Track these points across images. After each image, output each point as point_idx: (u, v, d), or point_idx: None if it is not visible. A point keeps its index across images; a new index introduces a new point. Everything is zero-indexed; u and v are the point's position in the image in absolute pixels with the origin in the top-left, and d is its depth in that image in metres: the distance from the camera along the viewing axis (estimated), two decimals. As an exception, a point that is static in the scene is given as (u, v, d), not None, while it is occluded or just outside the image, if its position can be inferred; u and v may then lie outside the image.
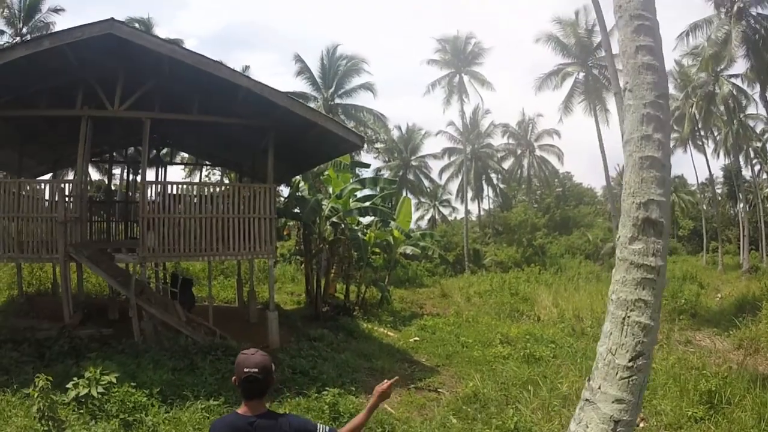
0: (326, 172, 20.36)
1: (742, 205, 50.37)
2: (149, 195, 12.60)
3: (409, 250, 21.40)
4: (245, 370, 2.90)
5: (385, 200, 21.65)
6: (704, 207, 57.37)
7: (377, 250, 21.48)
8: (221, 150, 19.31)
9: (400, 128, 53.19)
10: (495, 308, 21.83)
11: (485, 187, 55.79)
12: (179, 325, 11.39)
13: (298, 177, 19.70)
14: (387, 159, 51.53)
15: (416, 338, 16.01)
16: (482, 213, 60.04)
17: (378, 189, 20.29)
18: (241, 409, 2.96)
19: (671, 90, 47.29)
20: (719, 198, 57.67)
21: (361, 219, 21.04)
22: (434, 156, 54.05)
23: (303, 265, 28.80)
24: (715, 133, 49.47)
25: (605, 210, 61.41)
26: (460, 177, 52.49)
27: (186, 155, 25.94)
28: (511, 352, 13.28)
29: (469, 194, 53.40)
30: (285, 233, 25.10)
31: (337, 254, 20.36)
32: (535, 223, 45.88)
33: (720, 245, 43.80)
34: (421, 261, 29.89)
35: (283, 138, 13.56)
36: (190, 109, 12.97)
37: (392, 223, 20.18)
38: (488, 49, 46.74)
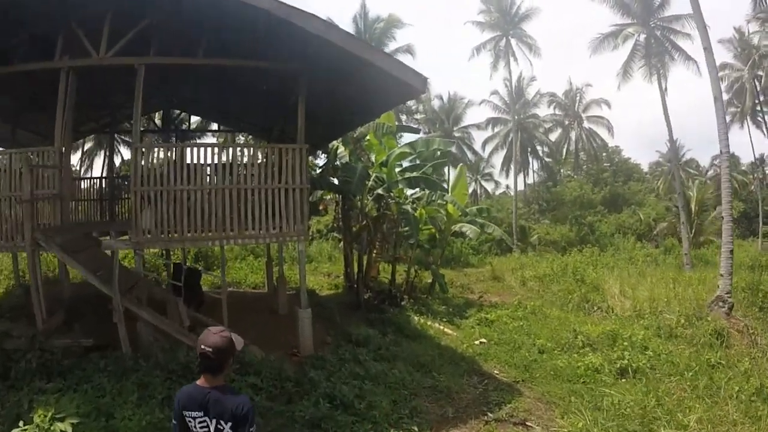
0: (368, 137, 17.01)
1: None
2: (145, 162, 9.38)
3: (466, 228, 17.90)
4: (201, 347, 3.23)
5: (436, 170, 18.17)
6: (753, 188, 51.92)
7: (430, 227, 18.03)
8: (244, 111, 16.00)
9: (441, 98, 49.61)
10: (560, 297, 18.69)
11: (530, 160, 51.53)
12: (178, 332, 8.32)
13: (335, 142, 16.39)
14: (428, 130, 47.73)
15: (482, 340, 12.80)
16: (526, 187, 55.60)
17: (433, 154, 16.65)
18: (200, 381, 3.30)
19: (729, 59, 43.37)
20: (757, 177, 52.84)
21: (408, 191, 17.69)
22: (477, 126, 50.11)
23: (341, 243, 25.94)
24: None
25: (652, 187, 57.02)
26: (505, 149, 48.60)
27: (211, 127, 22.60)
28: (602, 363, 10.49)
29: (513, 168, 49.61)
30: (321, 208, 21.82)
31: (380, 232, 17.00)
32: (592, 199, 41.81)
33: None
34: (475, 239, 26.30)
35: (318, 87, 10.26)
36: (196, 52, 9.68)
37: (447, 196, 16.67)
38: (536, 9, 42.21)
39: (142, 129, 17.16)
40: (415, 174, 15.86)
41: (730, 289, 15.04)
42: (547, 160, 52.83)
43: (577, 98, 53.87)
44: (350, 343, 10.89)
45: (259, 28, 9.16)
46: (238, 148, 10.17)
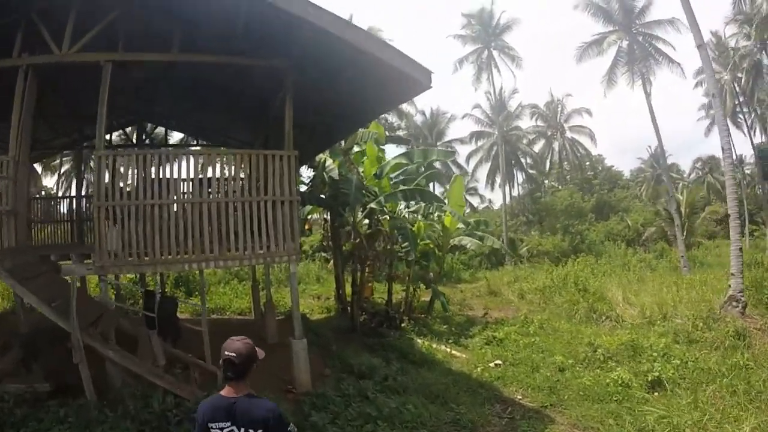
0: (354, 149, 15.78)
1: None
2: (109, 173, 8.00)
3: (466, 241, 16.63)
4: (225, 353, 3.20)
5: (429, 181, 16.96)
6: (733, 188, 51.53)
7: (428, 242, 16.68)
8: (224, 123, 14.63)
9: (423, 113, 48.66)
10: (566, 309, 17.59)
11: (515, 172, 50.66)
12: (152, 374, 6.91)
13: (323, 155, 15.12)
14: (410, 145, 46.67)
15: (497, 362, 11.51)
16: (511, 200, 54.56)
17: (427, 166, 15.46)
18: (224, 391, 3.25)
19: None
20: (748, 179, 52.66)
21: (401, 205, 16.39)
22: (461, 141, 49.23)
23: (330, 263, 24.53)
24: (758, 110, 44.13)
25: (635, 194, 56.67)
26: (489, 162, 47.75)
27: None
28: (630, 377, 9.71)
29: (498, 180, 48.76)
30: (306, 228, 20.50)
31: (372, 249, 15.65)
32: (582, 207, 40.87)
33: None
34: (477, 252, 25.11)
35: (306, 86, 9.02)
36: (169, 48, 8.40)
37: (446, 207, 15.38)
38: (517, 20, 41.68)
39: (117, 144, 15.78)
40: (410, 186, 14.61)
41: (742, 288, 14.58)
42: (531, 171, 52.00)
43: (559, 109, 53.41)
44: (352, 375, 9.55)
45: (239, 20, 7.95)
46: (218, 157, 8.70)
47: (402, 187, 14.38)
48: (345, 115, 10.76)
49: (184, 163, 8.59)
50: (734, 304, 14.21)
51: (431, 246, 16.23)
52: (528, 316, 15.98)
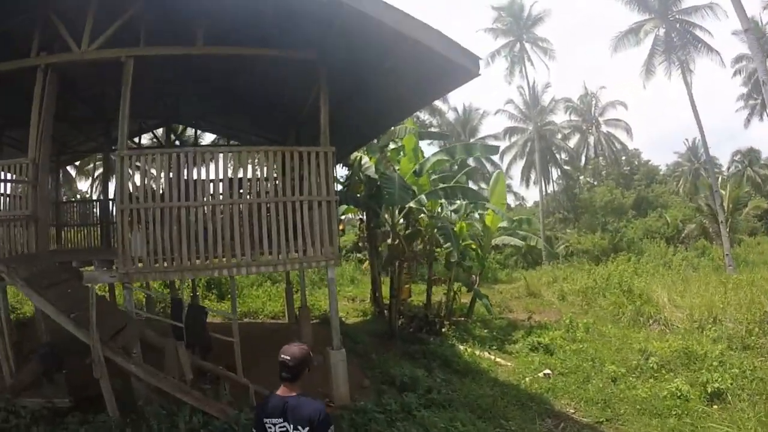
0: (390, 145, 15.03)
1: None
2: (132, 175, 7.43)
3: (509, 240, 15.71)
4: (281, 356, 3.47)
5: (470, 178, 16.13)
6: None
7: (471, 242, 15.84)
8: (254, 122, 14.02)
9: (456, 110, 47.54)
10: (611, 312, 16.87)
11: (550, 168, 49.17)
12: (178, 389, 6.28)
13: (358, 153, 14.44)
14: (443, 143, 45.75)
15: (547, 371, 10.65)
16: (546, 197, 53.01)
17: (464, 162, 14.63)
18: (280, 390, 3.51)
19: (745, 50, 41.47)
20: None
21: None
22: (495, 137, 47.91)
23: (365, 264, 23.87)
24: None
25: (672, 190, 54.50)
26: (524, 159, 46.48)
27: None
28: (688, 389, 9.09)
29: (533, 177, 47.46)
30: (340, 228, 19.81)
31: (410, 250, 14.89)
32: (623, 203, 39.28)
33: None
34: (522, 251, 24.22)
35: (341, 81, 8.33)
36: (193, 41, 7.79)
37: (489, 205, 14.50)
38: (549, 11, 40.51)
39: (146, 147, 15.35)
40: (450, 184, 13.81)
41: None
42: (566, 168, 50.42)
43: (593, 102, 51.65)
44: (393, 387, 8.84)
45: (266, 4, 7.29)
46: (249, 155, 8.03)
47: (441, 185, 13.59)
48: (383, 109, 10.03)
49: (213, 164, 8.04)
50: None
51: (473, 246, 15.37)
52: (573, 320, 15.07)
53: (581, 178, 51.93)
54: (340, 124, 10.12)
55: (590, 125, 51.98)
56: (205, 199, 7.17)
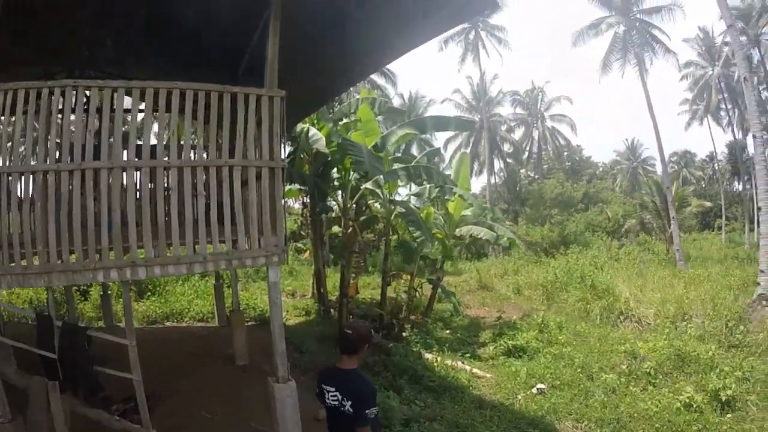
0: (345, 117, 12.65)
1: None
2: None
3: (476, 231, 13.55)
4: (345, 330, 3.67)
5: (430, 160, 13.93)
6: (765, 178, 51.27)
7: (438, 232, 13.48)
8: (188, 68, 10.98)
9: (402, 96, 45.35)
10: (578, 309, 15.44)
11: (493, 160, 47.87)
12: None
13: (302, 124, 11.94)
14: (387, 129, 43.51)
15: (540, 386, 8.96)
16: (489, 189, 51.96)
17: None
18: (339, 362, 3.66)
19: (694, 57, 44.22)
20: (719, 174, 53.72)
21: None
22: (426, 134, 46.01)
23: (305, 254, 21.38)
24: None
25: (608, 186, 55.02)
26: (468, 149, 44.81)
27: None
28: (701, 401, 8.10)
29: (475, 167, 46.00)
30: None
31: (358, 240, 12.53)
32: (573, 196, 38.23)
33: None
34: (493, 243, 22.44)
35: (297, 20, 5.82)
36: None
37: (457, 189, 12.19)
38: (506, 1, 39.03)
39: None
40: (414, 164, 11.55)
41: None
42: (508, 160, 49.33)
43: (539, 97, 50.81)
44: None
45: None
46: (154, 93, 5.14)
47: (405, 165, 11.28)
48: (356, 51, 7.36)
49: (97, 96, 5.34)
50: (764, 303, 13.28)
51: (440, 236, 13.10)
52: (544, 319, 13.38)
53: (522, 171, 51.16)
54: (290, 79, 7.61)
55: (535, 119, 51.07)
56: (83, 160, 4.55)
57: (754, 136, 15.43)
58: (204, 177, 4.79)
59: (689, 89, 45.37)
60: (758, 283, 14.23)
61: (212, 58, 7.94)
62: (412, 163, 12.06)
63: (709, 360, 9.66)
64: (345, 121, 12.58)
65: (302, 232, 17.69)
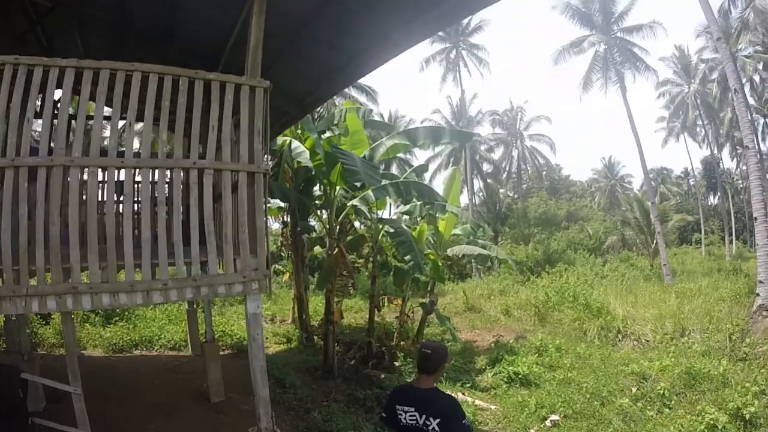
0: (328, 130, 11.79)
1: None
2: None
3: (469, 250, 12.62)
4: (423, 350, 3.58)
5: (418, 177, 13.09)
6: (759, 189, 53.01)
7: (431, 253, 12.51)
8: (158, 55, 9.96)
9: (382, 115, 44.73)
10: (575, 329, 14.69)
11: (473, 180, 47.39)
12: None
13: (285, 136, 11.05)
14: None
15: (553, 418, 8.26)
16: (470, 209, 51.49)
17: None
18: (415, 382, 3.64)
19: (670, 75, 45.19)
20: (694, 190, 55.14)
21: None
22: (420, 146, 45.49)
23: (285, 276, 20.27)
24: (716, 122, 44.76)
25: (587, 204, 55.16)
26: (448, 169, 44.31)
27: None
28: (726, 422, 7.65)
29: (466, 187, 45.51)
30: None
31: (344, 261, 11.52)
32: (557, 214, 37.80)
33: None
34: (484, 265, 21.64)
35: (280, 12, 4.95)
36: None
37: (449, 206, 11.25)
38: (488, 21, 39.38)
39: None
40: (402, 179, 10.70)
41: None
42: (488, 180, 48.94)
43: (518, 117, 50.76)
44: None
45: None
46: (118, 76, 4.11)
47: (396, 180, 10.43)
48: (350, 51, 6.50)
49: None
50: (765, 313, 13.02)
51: (432, 257, 12.16)
52: (543, 342, 12.76)
53: (501, 191, 50.86)
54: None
55: (515, 138, 50.92)
56: (17, 155, 3.58)
57: (746, 147, 15.40)
58: (167, 181, 3.86)
59: (665, 107, 46.05)
60: (758, 294, 13.96)
61: (188, 52, 7.01)
62: (401, 179, 11.23)
63: (720, 376, 9.28)
64: (328, 135, 11.67)
65: (281, 253, 16.66)
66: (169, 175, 3.93)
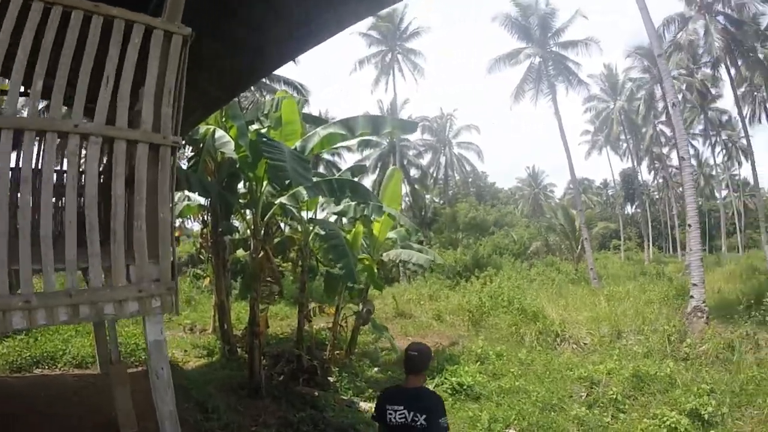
0: (256, 121, 10.68)
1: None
2: None
3: (408, 255, 11.81)
4: (408, 351, 3.79)
5: (355, 176, 12.14)
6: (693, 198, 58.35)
7: (366, 257, 11.47)
8: None
9: (312, 115, 43.61)
10: (511, 333, 14.38)
11: (402, 185, 47.18)
12: None
13: (208, 125, 9.87)
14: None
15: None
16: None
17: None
18: (404, 382, 3.79)
19: (597, 92, 47.40)
20: (612, 199, 59.65)
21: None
22: (348, 148, 44.47)
23: (205, 281, 18.70)
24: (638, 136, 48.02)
25: (510, 211, 56.68)
26: (376, 173, 43.76)
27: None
28: (687, 423, 7.55)
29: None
30: (177, 235, 14.56)
31: (270, 266, 10.41)
32: (486, 219, 37.96)
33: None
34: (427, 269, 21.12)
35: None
36: None
37: (387, 208, 10.28)
38: (427, 29, 39.41)
39: None
40: (337, 177, 9.76)
41: (705, 298, 14.29)
42: (416, 186, 48.84)
43: (448, 124, 51.15)
44: None
45: None
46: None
47: (329, 178, 9.49)
48: (294, 19, 5.49)
49: None
50: (699, 314, 13.69)
51: (367, 262, 11.19)
52: (483, 349, 12.37)
53: (428, 196, 50.93)
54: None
55: (443, 145, 51.20)
56: None
57: (682, 158, 16.18)
58: (34, 151, 2.75)
59: (591, 121, 48.09)
60: (692, 296, 14.41)
61: None
62: (336, 176, 10.30)
63: (667, 377, 9.42)
64: (257, 127, 10.52)
65: (201, 256, 15.27)
66: (38, 143, 2.81)
